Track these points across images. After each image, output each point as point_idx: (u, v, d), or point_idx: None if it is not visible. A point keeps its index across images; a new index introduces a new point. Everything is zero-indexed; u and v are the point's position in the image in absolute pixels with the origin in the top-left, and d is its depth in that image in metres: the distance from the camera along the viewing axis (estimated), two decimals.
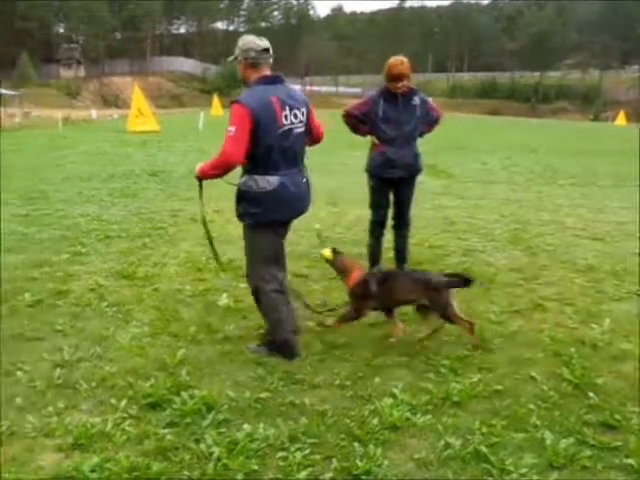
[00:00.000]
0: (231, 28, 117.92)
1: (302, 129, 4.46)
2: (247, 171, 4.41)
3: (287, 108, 4.32)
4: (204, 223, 4.99)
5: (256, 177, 4.35)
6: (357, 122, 6.36)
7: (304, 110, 4.46)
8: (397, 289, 4.89)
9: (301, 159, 4.56)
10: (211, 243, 4.98)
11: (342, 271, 5.04)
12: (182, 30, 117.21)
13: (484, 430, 3.58)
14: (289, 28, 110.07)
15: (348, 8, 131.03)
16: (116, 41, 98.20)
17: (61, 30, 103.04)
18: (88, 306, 5.58)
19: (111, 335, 4.90)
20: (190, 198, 11.26)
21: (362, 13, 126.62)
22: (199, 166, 4.53)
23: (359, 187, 11.82)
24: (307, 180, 4.62)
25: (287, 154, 4.38)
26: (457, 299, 4.87)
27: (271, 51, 4.42)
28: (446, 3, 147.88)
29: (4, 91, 47.47)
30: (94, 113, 46.43)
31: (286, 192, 4.38)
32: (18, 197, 11.33)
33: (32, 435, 3.51)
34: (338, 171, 15.66)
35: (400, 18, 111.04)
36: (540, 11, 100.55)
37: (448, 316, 4.74)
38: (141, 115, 30.74)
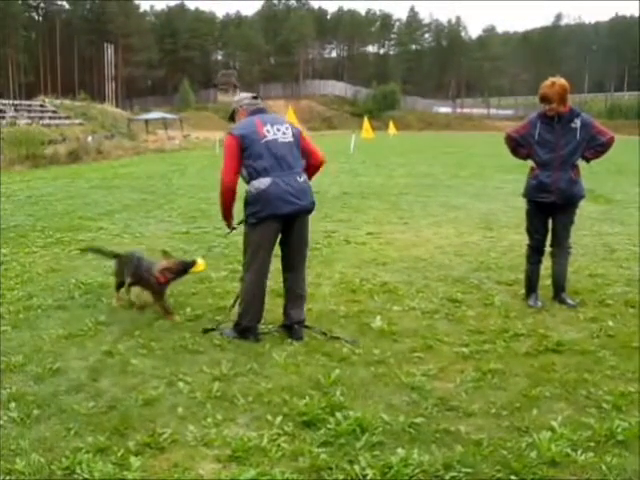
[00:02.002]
0: (381, 51, 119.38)
1: (289, 139, 5.24)
2: (248, 182, 5.17)
3: (268, 124, 5.19)
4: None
5: (253, 182, 5.11)
6: (516, 145, 6.26)
7: (287, 126, 5.31)
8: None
9: (295, 163, 5.24)
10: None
11: None
12: (333, 54, 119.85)
13: None
14: (440, 50, 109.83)
15: (501, 28, 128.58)
16: (270, 66, 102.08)
17: (219, 57, 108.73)
18: None
19: (267, 352, 5.01)
20: (344, 220, 11.44)
21: (515, 32, 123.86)
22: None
23: (514, 211, 11.62)
24: (305, 180, 5.28)
25: (278, 159, 5.11)
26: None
27: (259, 98, 5.57)
28: (605, 18, 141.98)
29: (167, 115, 50.44)
30: None
31: (278, 189, 5.05)
32: (178, 215, 11.96)
33: (192, 444, 3.65)
34: (492, 195, 15.32)
35: (555, 36, 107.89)
36: None
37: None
38: None
